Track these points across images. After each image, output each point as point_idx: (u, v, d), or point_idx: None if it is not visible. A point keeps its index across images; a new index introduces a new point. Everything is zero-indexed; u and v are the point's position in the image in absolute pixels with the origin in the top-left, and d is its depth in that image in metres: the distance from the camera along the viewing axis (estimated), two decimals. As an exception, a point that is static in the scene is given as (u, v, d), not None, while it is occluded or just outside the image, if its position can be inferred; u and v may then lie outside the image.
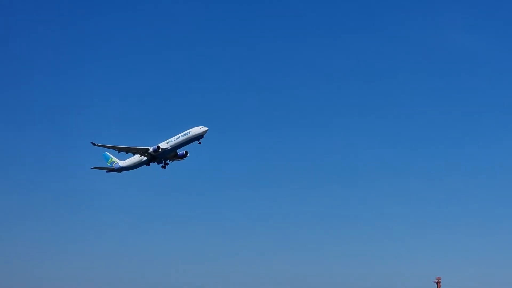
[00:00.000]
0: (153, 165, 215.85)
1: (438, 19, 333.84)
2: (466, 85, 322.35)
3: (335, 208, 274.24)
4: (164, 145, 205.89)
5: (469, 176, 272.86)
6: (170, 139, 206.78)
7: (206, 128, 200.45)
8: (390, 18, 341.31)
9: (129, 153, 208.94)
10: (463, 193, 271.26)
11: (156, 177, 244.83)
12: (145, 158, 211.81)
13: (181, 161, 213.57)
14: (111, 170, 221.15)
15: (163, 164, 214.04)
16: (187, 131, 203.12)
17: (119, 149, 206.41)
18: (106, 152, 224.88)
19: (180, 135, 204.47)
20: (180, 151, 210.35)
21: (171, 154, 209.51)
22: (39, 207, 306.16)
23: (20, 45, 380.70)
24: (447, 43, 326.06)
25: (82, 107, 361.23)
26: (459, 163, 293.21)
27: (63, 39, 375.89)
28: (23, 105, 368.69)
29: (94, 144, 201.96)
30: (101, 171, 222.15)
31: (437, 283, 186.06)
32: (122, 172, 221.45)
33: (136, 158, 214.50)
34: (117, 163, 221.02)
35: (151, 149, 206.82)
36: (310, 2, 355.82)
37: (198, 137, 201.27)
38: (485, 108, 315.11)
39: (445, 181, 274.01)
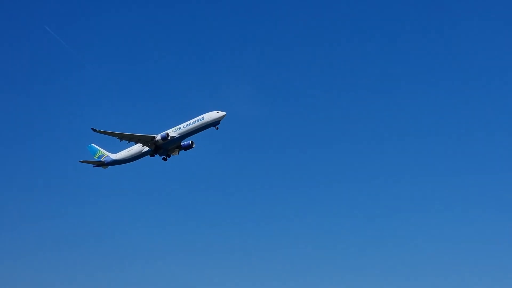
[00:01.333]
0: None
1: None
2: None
3: (352, 206, 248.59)
4: (171, 132, 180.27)
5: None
6: (178, 126, 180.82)
7: (224, 113, 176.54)
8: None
9: (130, 143, 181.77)
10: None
11: (156, 171, 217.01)
12: (146, 149, 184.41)
13: (185, 152, 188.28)
14: (100, 164, 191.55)
15: (165, 156, 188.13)
16: (201, 116, 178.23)
17: (122, 137, 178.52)
18: (92, 144, 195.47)
19: (191, 121, 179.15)
20: (185, 141, 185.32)
21: (176, 144, 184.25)
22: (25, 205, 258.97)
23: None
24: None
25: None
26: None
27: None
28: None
29: (94, 130, 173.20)
30: (88, 166, 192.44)
31: None
32: (110, 166, 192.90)
33: (135, 149, 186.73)
34: (107, 156, 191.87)
35: (158, 137, 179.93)
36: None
37: (214, 123, 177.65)
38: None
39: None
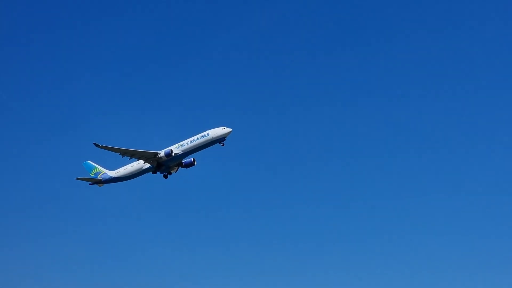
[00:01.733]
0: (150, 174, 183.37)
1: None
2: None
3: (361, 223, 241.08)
4: (175, 149, 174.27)
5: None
6: (181, 143, 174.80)
7: (230, 129, 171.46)
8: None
9: (131, 159, 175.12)
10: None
11: (156, 189, 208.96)
12: (147, 166, 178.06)
13: (186, 170, 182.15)
14: (96, 182, 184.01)
15: (165, 174, 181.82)
16: (205, 132, 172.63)
17: (124, 153, 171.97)
18: (88, 161, 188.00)
19: (195, 137, 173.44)
20: (187, 159, 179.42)
21: (178, 162, 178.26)
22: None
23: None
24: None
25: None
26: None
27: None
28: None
29: (97, 146, 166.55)
30: (85, 183, 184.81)
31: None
32: (106, 184, 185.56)
33: (135, 166, 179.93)
34: (105, 173, 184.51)
35: (162, 154, 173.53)
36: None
37: (219, 140, 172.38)
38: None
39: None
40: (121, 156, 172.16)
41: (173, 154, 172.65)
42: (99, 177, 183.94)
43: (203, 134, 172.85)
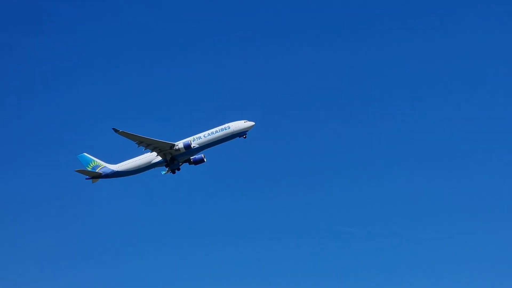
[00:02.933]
0: (157, 169, 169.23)
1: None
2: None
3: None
4: (192, 142, 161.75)
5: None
6: (197, 135, 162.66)
7: (252, 123, 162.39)
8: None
9: (145, 150, 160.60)
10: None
11: (159, 185, 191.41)
12: (157, 160, 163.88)
13: (194, 166, 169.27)
14: (96, 176, 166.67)
15: (175, 169, 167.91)
16: (226, 125, 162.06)
17: (141, 141, 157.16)
18: (85, 154, 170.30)
19: (214, 130, 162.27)
20: (197, 155, 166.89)
21: (188, 157, 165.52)
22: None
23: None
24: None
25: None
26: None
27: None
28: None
29: (116, 131, 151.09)
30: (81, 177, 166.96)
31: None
32: (101, 180, 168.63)
33: (144, 159, 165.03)
34: (104, 166, 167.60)
35: (180, 145, 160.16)
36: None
37: (240, 134, 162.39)
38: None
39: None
40: (136, 145, 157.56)
41: (192, 147, 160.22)
42: (98, 170, 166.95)
43: (223, 126, 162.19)
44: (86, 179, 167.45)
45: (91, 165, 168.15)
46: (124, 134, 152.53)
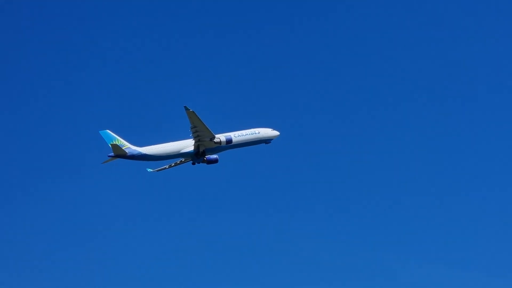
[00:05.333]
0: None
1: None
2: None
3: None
4: (222, 138, 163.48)
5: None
6: (226, 134, 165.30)
7: (278, 133, 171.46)
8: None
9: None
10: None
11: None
12: (187, 150, 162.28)
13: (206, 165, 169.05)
14: (120, 154, 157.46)
15: (197, 162, 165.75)
16: (256, 130, 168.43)
17: (195, 126, 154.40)
18: (107, 131, 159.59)
19: (243, 132, 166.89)
20: (212, 156, 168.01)
21: (215, 153, 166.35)
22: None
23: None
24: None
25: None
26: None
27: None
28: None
29: (187, 109, 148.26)
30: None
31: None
32: (111, 162, 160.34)
33: (175, 146, 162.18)
34: (129, 147, 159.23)
35: (222, 139, 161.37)
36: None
37: (265, 141, 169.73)
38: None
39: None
40: (191, 129, 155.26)
41: (232, 142, 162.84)
42: (123, 148, 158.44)
43: (252, 130, 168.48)
44: (108, 155, 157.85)
45: (115, 142, 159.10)
46: (191, 114, 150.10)
